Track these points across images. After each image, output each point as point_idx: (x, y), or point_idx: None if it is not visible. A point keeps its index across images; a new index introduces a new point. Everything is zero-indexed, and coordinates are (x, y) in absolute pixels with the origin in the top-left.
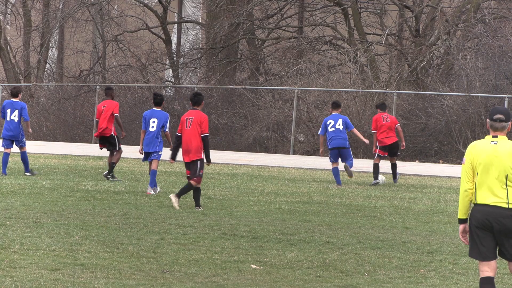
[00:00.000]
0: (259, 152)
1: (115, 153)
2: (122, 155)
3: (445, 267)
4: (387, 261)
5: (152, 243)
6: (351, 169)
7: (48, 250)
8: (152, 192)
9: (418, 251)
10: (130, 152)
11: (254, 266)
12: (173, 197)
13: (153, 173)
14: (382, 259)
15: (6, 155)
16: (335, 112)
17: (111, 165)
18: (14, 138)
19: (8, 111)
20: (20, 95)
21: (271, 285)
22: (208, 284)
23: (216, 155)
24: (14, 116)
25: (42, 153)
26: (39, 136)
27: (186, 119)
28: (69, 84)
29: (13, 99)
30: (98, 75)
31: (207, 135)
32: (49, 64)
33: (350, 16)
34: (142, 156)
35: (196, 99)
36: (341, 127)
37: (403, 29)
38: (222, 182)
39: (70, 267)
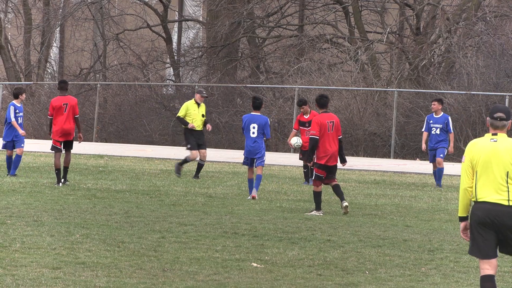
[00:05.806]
0: None
1: (64, 152)
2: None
3: (446, 265)
4: (388, 259)
5: (153, 241)
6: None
7: (49, 248)
8: (255, 195)
9: (419, 249)
10: (132, 150)
11: (255, 265)
12: (345, 203)
13: (258, 178)
14: (383, 257)
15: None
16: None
17: (65, 169)
18: None
19: None
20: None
21: (272, 283)
22: (209, 283)
23: (217, 154)
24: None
25: (43, 152)
26: (39, 135)
27: (327, 122)
28: (69, 82)
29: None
30: (99, 74)
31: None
32: (49, 62)
33: (350, 14)
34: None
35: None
36: None
37: (404, 27)
38: (223, 181)
39: (71, 265)
